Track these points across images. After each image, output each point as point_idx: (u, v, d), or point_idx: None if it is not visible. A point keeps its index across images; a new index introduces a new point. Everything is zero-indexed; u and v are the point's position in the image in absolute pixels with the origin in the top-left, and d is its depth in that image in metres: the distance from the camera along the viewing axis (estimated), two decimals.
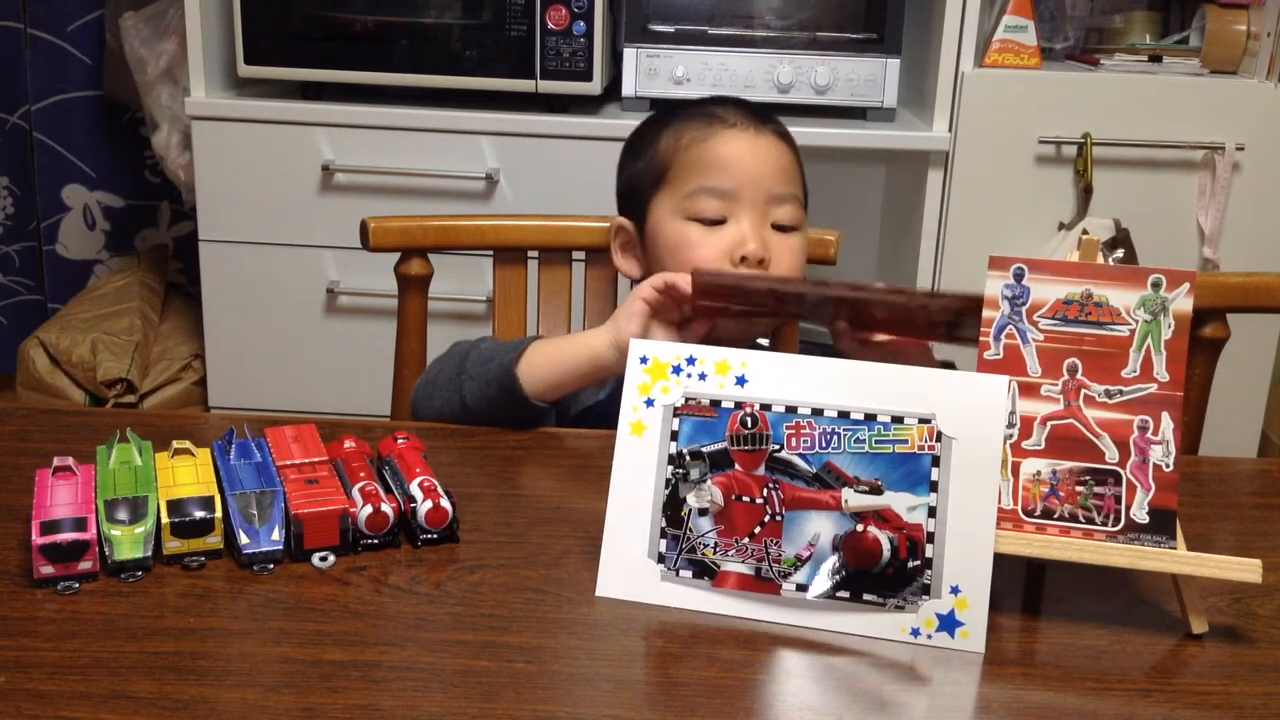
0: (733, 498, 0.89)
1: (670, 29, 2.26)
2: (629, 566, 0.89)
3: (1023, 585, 0.93)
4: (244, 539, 0.90)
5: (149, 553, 0.89)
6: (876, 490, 0.86)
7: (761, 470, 0.88)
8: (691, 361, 0.91)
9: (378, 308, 2.27)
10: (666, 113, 1.32)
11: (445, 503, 0.95)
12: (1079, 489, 0.87)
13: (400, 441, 1.03)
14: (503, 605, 0.87)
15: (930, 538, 0.85)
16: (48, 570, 0.86)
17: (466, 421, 1.18)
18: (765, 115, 1.28)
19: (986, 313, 0.90)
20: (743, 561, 0.88)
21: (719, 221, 1.22)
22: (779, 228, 1.23)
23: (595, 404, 1.27)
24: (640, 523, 0.90)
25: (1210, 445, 1.43)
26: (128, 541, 0.88)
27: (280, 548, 0.91)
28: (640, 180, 1.29)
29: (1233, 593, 0.92)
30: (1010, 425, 0.88)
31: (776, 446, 0.88)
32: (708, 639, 0.84)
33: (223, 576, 0.89)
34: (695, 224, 1.23)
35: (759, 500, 0.88)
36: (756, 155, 1.23)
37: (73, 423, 1.17)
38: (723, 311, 1.14)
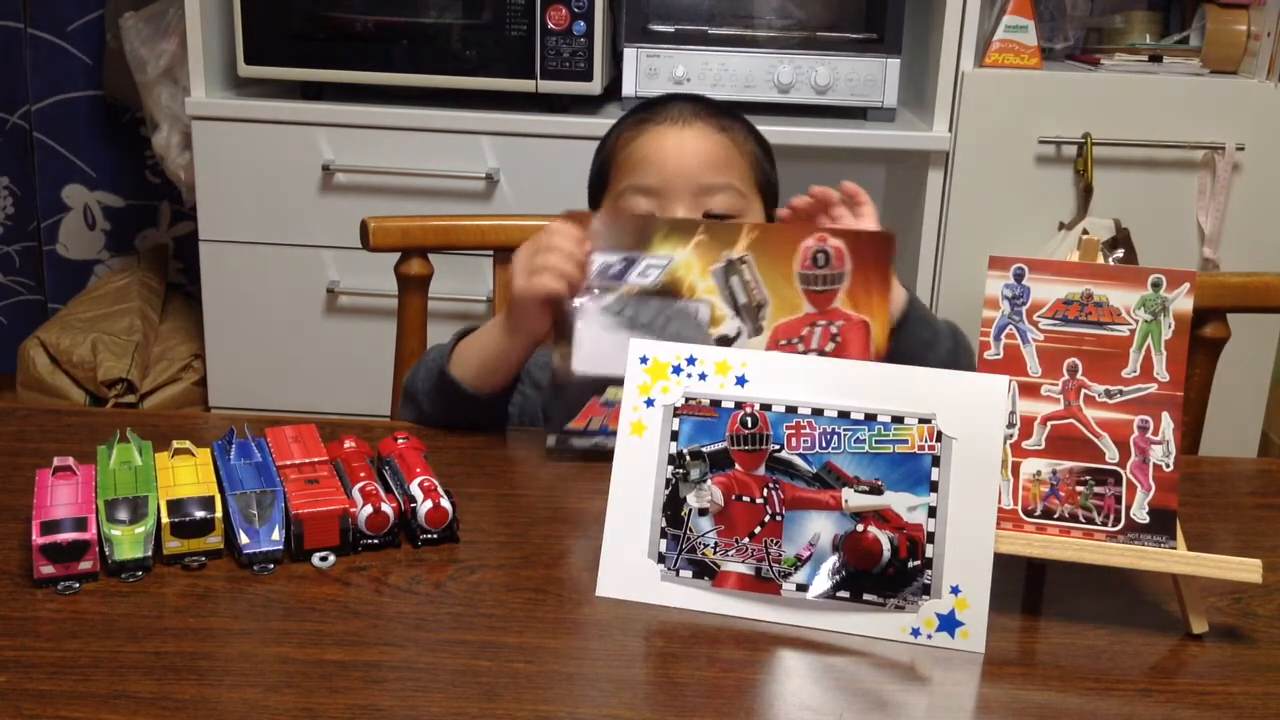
0: (733, 498, 0.89)
1: (670, 29, 2.26)
2: (629, 566, 0.89)
3: (1023, 585, 0.93)
4: (244, 539, 0.90)
5: (149, 553, 0.89)
6: (876, 490, 0.86)
7: (761, 470, 0.88)
8: (691, 361, 0.91)
9: (378, 308, 2.27)
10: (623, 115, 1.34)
11: (445, 503, 0.95)
12: (1079, 489, 0.87)
13: (400, 441, 1.03)
14: (503, 605, 0.87)
15: (930, 538, 0.85)
16: (48, 570, 0.86)
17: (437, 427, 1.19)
18: (711, 110, 1.28)
19: (986, 313, 0.90)
20: (743, 561, 0.88)
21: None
22: (713, 218, 1.23)
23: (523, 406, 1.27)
24: (640, 523, 0.90)
25: (1210, 445, 1.43)
26: (128, 541, 0.88)
27: (280, 548, 0.91)
28: (592, 185, 1.32)
29: (1233, 593, 0.92)
30: (1010, 425, 0.88)
31: (776, 446, 0.88)
32: (708, 639, 0.84)
33: (223, 576, 0.89)
34: None
35: (759, 500, 0.88)
36: (681, 149, 1.23)
37: (73, 423, 1.17)
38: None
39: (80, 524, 0.88)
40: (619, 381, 0.98)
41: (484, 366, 1.16)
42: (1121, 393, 0.88)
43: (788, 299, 1.09)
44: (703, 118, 1.27)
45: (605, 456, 0.93)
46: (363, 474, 0.98)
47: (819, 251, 1.08)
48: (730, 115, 1.30)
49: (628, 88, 2.24)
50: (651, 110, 1.29)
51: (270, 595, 0.87)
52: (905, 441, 0.86)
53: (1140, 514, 0.86)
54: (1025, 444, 0.88)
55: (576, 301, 1.10)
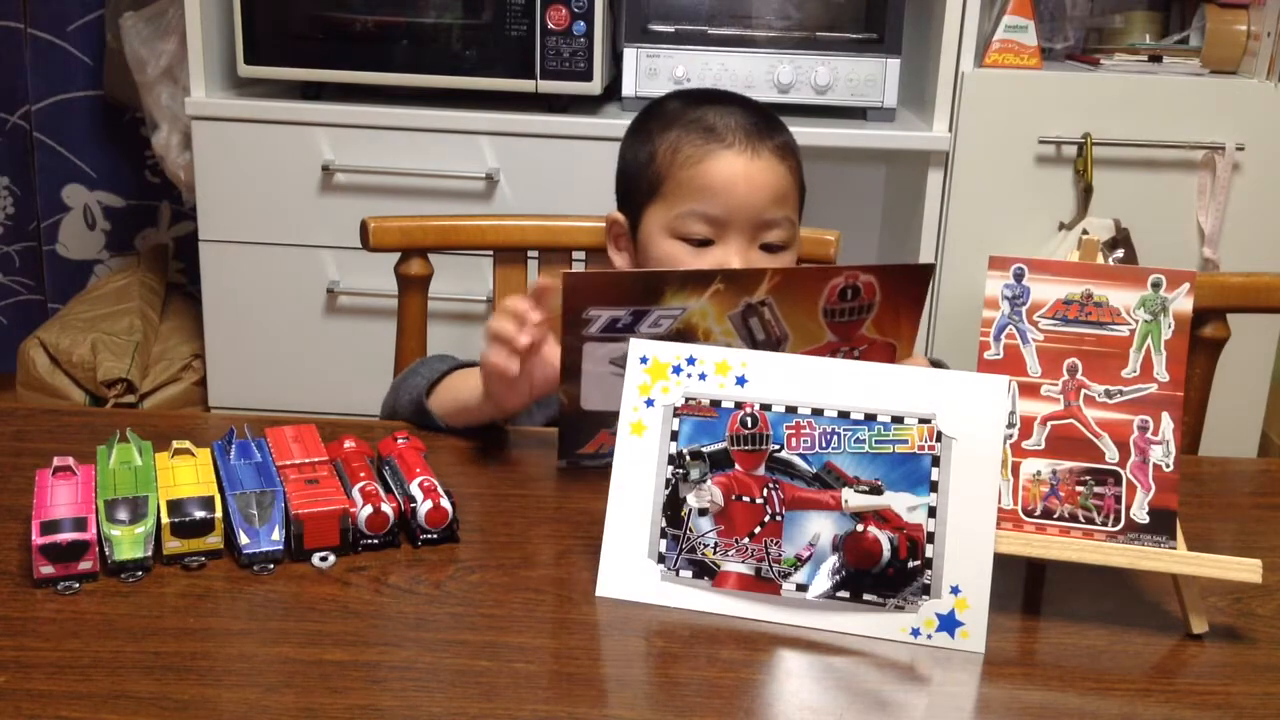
0: (733, 498, 0.89)
1: (670, 29, 2.26)
2: (629, 566, 0.89)
3: (1023, 585, 0.93)
4: (244, 539, 0.90)
5: (149, 553, 0.89)
6: (876, 490, 0.86)
7: (761, 470, 0.88)
8: (691, 361, 0.91)
9: (378, 308, 2.27)
10: (672, 102, 1.30)
11: (445, 503, 0.95)
12: (1079, 489, 0.87)
13: (400, 441, 1.03)
14: (503, 605, 0.87)
15: (930, 538, 0.85)
16: (48, 570, 0.86)
17: None
18: (766, 126, 1.26)
19: (986, 313, 0.90)
20: (743, 561, 0.88)
21: (707, 242, 1.22)
22: (768, 248, 1.23)
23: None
24: (640, 523, 0.90)
25: (1210, 445, 1.43)
26: (128, 541, 0.88)
27: (280, 548, 0.91)
28: (636, 180, 1.28)
29: (1233, 593, 0.92)
30: (1010, 425, 0.88)
31: (776, 446, 0.88)
32: (708, 639, 0.84)
33: (223, 576, 0.89)
34: (683, 244, 1.23)
35: (759, 500, 0.88)
36: (750, 181, 1.21)
37: (73, 423, 1.17)
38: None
39: (80, 524, 0.88)
40: None
41: (458, 415, 1.16)
42: (1121, 393, 0.88)
43: (809, 332, 1.03)
44: (766, 142, 1.24)
45: None
46: (363, 474, 0.98)
47: (847, 288, 1.01)
48: (783, 131, 1.28)
49: (628, 88, 2.24)
50: (708, 121, 1.25)
51: (270, 595, 0.87)
52: (905, 441, 0.86)
53: (1140, 514, 0.86)
54: (1025, 444, 0.88)
55: (584, 345, 1.02)
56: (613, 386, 1.02)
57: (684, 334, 1.01)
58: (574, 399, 1.05)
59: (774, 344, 1.03)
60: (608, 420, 1.05)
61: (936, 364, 1.13)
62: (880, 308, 1.02)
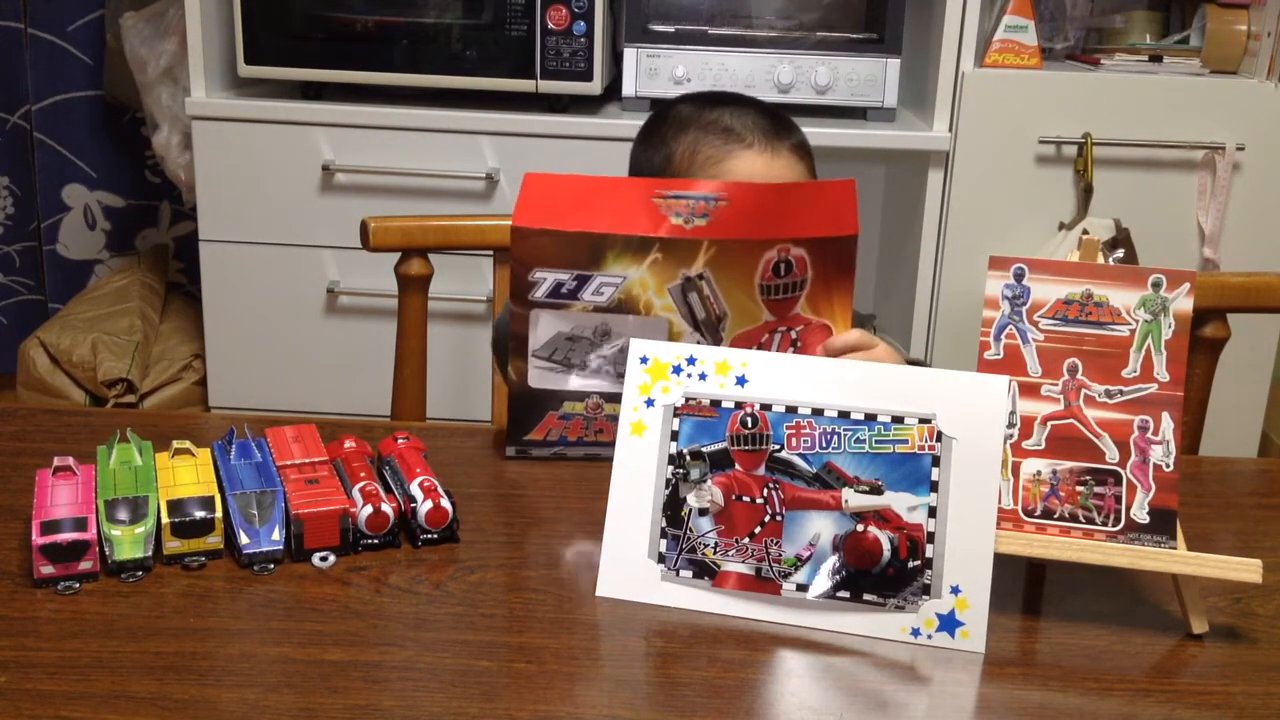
0: (733, 498, 0.89)
1: (670, 29, 2.26)
2: (629, 566, 0.89)
3: (1023, 585, 0.93)
4: (244, 539, 0.90)
5: (149, 553, 0.89)
6: (877, 490, 0.86)
7: (762, 470, 0.88)
8: (692, 361, 0.91)
9: (378, 308, 2.27)
10: (683, 105, 1.30)
11: (445, 503, 0.95)
12: (1079, 489, 0.87)
13: (400, 441, 1.03)
14: (503, 605, 0.87)
15: (930, 538, 0.85)
16: (48, 570, 0.86)
17: None
18: (783, 126, 1.26)
19: (987, 313, 0.90)
20: (743, 561, 0.88)
21: None
22: None
23: None
24: (640, 523, 0.90)
25: (1210, 445, 1.43)
26: (128, 541, 0.88)
27: (280, 548, 0.91)
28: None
29: (1233, 593, 0.92)
30: (1010, 425, 0.88)
31: (777, 446, 0.88)
32: (708, 639, 0.84)
33: (223, 576, 0.89)
34: None
35: (759, 500, 0.88)
36: (772, 180, 1.22)
37: (73, 423, 1.17)
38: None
39: (80, 524, 0.88)
40: (575, 396, 1.00)
41: None
42: (1121, 393, 0.88)
43: (747, 310, 1.05)
44: (785, 142, 1.24)
45: (598, 459, 0.92)
46: (363, 474, 0.98)
47: (780, 262, 1.04)
48: (798, 131, 1.28)
49: (628, 88, 2.24)
50: (725, 122, 1.25)
51: (270, 595, 0.87)
52: (905, 441, 0.86)
53: (1140, 514, 0.87)
54: (1025, 444, 0.88)
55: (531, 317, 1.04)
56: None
57: (625, 304, 1.04)
58: (523, 375, 1.06)
59: (714, 322, 1.05)
60: (554, 402, 1.07)
61: (915, 363, 1.13)
62: (813, 284, 1.06)
